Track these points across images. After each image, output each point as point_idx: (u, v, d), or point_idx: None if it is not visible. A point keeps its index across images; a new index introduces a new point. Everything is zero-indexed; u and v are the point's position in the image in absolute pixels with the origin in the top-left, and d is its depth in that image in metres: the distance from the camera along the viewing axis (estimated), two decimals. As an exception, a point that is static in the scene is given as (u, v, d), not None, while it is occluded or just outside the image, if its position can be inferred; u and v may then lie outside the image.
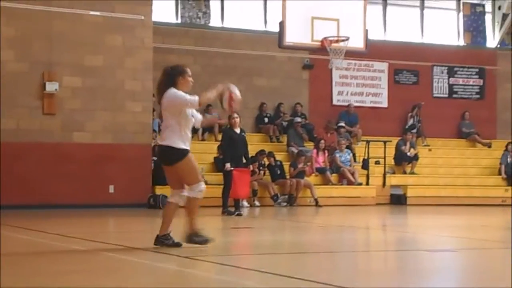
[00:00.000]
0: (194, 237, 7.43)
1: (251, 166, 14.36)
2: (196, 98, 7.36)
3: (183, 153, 7.39)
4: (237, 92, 7.60)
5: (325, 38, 14.22)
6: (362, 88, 20.05)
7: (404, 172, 18.76)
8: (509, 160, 19.20)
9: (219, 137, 16.53)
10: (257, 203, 16.03)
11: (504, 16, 21.10)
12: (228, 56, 18.68)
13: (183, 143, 7.41)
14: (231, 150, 13.10)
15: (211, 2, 18.79)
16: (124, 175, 15.17)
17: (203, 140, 17.95)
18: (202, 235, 7.47)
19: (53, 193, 14.62)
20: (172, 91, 7.40)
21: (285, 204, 16.22)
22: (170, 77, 7.47)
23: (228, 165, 13.01)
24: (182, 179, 7.47)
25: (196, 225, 7.50)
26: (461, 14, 21.35)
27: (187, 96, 7.38)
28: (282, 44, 14.27)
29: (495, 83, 21.39)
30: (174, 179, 7.53)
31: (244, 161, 13.31)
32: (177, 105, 7.36)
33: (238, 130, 13.27)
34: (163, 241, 7.45)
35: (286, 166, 17.01)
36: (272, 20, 18.46)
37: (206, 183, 17.58)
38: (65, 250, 7.74)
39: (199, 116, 7.79)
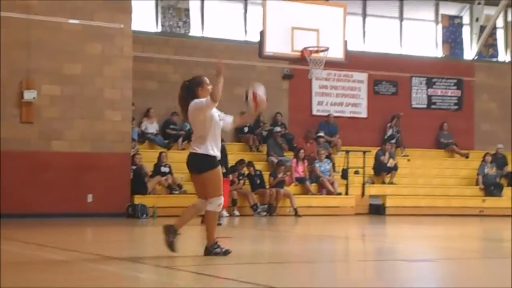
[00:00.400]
0: (213, 249, 7.51)
1: (230, 175, 14.34)
2: (208, 97, 7.42)
3: (214, 163, 7.50)
4: (260, 93, 7.69)
5: (305, 48, 14.28)
6: (341, 98, 20.15)
7: (383, 182, 18.85)
8: (486, 170, 19.36)
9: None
10: (236, 212, 16.01)
11: (482, 28, 21.35)
12: (208, 66, 18.64)
13: (213, 151, 7.52)
14: (211, 159, 13.06)
15: (191, 12, 18.80)
16: (102, 184, 15.08)
17: (182, 149, 17.90)
18: (221, 247, 7.55)
19: (30, 202, 14.48)
20: (193, 102, 7.51)
21: (264, 213, 16.22)
22: (189, 90, 7.60)
23: (207, 175, 12.97)
24: (205, 188, 7.54)
25: (214, 237, 7.56)
26: (439, 25, 21.57)
27: (203, 100, 7.46)
28: (262, 54, 14.30)
29: (472, 94, 21.60)
30: (202, 188, 7.62)
31: (224, 170, 13.26)
32: (198, 112, 7.46)
33: (218, 140, 13.25)
34: (170, 232, 7.42)
35: (265, 175, 17.01)
36: (252, 30, 18.52)
37: (185, 192, 17.61)
38: (43, 260, 7.67)
39: (228, 118, 7.85)
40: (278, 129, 18.57)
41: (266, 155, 18.33)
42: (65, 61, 15.05)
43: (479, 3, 21.39)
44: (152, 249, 9.27)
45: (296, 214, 16.36)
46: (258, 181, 16.73)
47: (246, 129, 18.83)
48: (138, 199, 15.29)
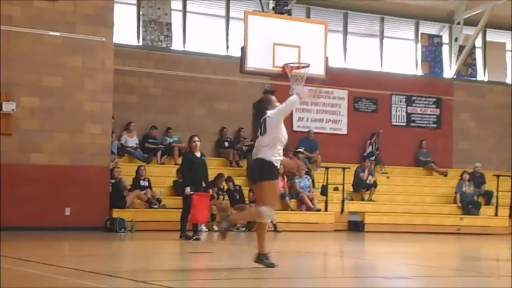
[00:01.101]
0: (263, 259, 7.86)
1: (210, 190, 14.31)
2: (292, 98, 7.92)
3: (275, 173, 7.85)
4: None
5: (286, 64, 14.32)
6: (322, 114, 20.24)
7: (362, 199, 18.91)
8: (464, 189, 19.50)
9: (179, 160, 16.47)
10: (215, 227, 15.95)
11: (461, 48, 21.60)
12: (189, 80, 18.69)
13: (276, 161, 7.91)
14: (191, 174, 13.05)
15: (173, 26, 18.82)
16: (81, 198, 14.97)
17: (162, 163, 17.85)
18: (269, 259, 7.86)
19: (8, 215, 14.31)
20: (271, 112, 7.95)
21: (243, 229, 16.18)
22: (261, 109, 8.10)
23: (188, 189, 12.95)
24: (261, 197, 7.86)
25: (264, 246, 7.90)
26: (419, 44, 21.79)
27: (284, 105, 7.89)
28: (244, 69, 14.32)
29: (451, 113, 21.80)
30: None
31: (204, 185, 13.26)
32: (281, 115, 7.94)
33: (198, 154, 13.25)
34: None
35: (245, 190, 17.00)
36: (234, 45, 18.57)
37: (164, 207, 17.47)
38: (19, 273, 7.58)
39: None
40: (258, 144, 18.55)
41: (246, 170, 18.32)
42: (45, 73, 14.97)
43: (458, 23, 21.65)
44: (129, 263, 9.21)
45: (275, 229, 16.34)
46: (238, 196, 16.71)
47: (226, 144, 18.83)
48: (117, 213, 15.19)
